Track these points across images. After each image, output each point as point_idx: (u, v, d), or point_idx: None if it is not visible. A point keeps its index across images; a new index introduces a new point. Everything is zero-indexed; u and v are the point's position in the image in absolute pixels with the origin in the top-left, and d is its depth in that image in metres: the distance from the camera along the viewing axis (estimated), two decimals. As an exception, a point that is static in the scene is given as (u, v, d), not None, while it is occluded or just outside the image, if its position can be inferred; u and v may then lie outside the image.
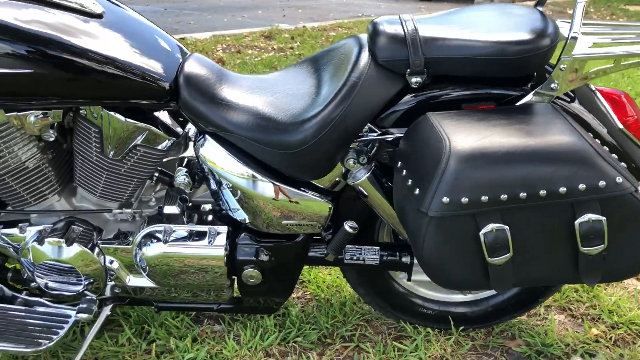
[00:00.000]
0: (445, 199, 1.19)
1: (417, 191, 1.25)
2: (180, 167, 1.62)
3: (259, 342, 1.79)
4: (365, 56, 1.44)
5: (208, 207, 1.71)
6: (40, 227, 1.62)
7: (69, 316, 1.61)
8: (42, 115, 1.45)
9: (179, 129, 1.61)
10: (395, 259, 1.66)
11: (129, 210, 1.67)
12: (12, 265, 1.78)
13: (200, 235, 1.60)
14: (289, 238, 1.60)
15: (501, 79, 1.45)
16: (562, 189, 1.17)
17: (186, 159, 1.68)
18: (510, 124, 1.28)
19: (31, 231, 1.62)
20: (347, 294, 2.03)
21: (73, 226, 1.63)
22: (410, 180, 1.29)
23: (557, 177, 1.18)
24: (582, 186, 1.18)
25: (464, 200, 1.19)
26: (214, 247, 1.58)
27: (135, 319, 1.87)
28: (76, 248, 1.57)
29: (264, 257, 1.60)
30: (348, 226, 1.52)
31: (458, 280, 1.29)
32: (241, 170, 1.50)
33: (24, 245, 1.60)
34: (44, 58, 1.37)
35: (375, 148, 1.47)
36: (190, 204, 1.69)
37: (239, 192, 1.52)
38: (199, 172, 1.62)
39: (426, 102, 1.45)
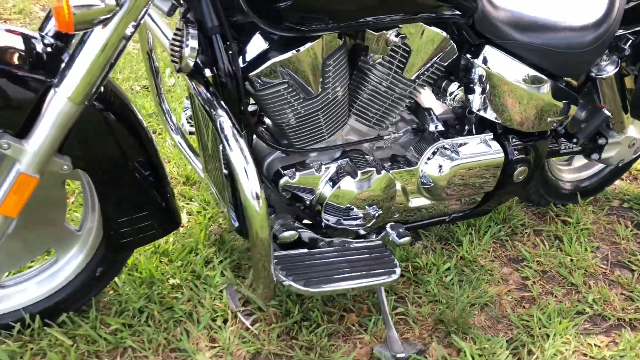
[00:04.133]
0: None
1: None
2: (452, 83, 1.66)
3: (478, 241, 1.98)
4: None
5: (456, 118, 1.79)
6: (334, 164, 1.54)
7: (382, 245, 1.58)
8: (400, 34, 1.40)
9: None
10: (590, 144, 2.00)
11: (399, 134, 1.67)
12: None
13: (477, 145, 1.71)
14: (540, 135, 1.81)
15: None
16: None
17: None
18: None
19: (330, 168, 1.53)
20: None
21: (366, 157, 1.58)
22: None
23: None
24: None
25: None
26: (494, 152, 1.71)
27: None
28: (385, 176, 1.56)
29: (529, 155, 1.78)
30: (606, 110, 1.81)
31: None
32: (526, 73, 1.65)
33: (321, 184, 1.52)
34: None
35: (628, 43, 1.78)
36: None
37: (515, 95, 1.67)
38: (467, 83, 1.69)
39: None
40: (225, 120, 1.21)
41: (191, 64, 1.26)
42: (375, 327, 1.59)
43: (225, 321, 1.58)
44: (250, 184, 1.19)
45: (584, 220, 2.17)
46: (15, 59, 1.22)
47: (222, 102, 1.24)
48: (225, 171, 1.45)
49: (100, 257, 1.50)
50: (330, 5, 1.30)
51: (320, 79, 1.39)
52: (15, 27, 1.37)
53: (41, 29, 1.37)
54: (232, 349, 1.50)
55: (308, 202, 1.54)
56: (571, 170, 2.30)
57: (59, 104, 1.16)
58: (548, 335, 1.61)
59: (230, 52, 1.28)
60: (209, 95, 1.25)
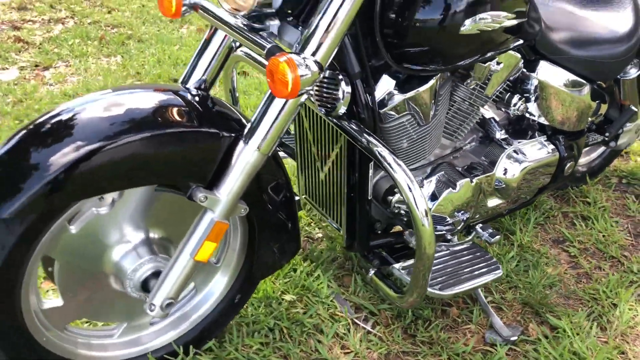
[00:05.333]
0: None
1: None
2: (514, 95, 1.89)
3: (525, 228, 2.24)
4: None
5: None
6: (434, 178, 1.74)
7: (476, 245, 1.80)
8: (499, 62, 1.62)
9: None
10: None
11: (473, 143, 1.89)
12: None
13: (537, 147, 1.95)
14: (580, 132, 2.08)
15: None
16: None
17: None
18: None
19: (431, 182, 1.73)
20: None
21: (456, 168, 1.79)
22: None
23: None
24: None
25: None
26: (551, 152, 1.96)
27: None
28: (475, 184, 1.77)
29: (574, 151, 2.05)
30: (632, 109, 2.10)
31: None
32: (573, 81, 1.90)
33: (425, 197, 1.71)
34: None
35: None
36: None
37: (564, 99, 1.91)
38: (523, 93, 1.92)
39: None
40: (382, 149, 1.37)
41: (344, 109, 1.41)
42: (478, 317, 1.81)
43: (347, 328, 1.75)
44: (419, 202, 1.35)
45: (600, 199, 2.49)
46: (185, 116, 1.33)
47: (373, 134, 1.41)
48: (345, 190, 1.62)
49: (239, 285, 1.62)
50: (454, 50, 1.49)
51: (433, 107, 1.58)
52: (158, 84, 1.46)
53: (184, 82, 1.47)
54: (364, 352, 1.68)
55: (414, 214, 1.73)
56: (582, 154, 2.60)
57: (248, 155, 1.28)
58: (615, 305, 1.89)
59: (370, 94, 1.44)
60: (362, 130, 1.40)
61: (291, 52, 1.18)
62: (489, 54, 1.58)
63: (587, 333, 1.77)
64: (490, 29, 1.47)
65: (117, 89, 1.38)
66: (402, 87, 1.51)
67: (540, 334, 1.76)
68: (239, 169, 1.29)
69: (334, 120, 1.46)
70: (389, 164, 1.36)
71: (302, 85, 1.14)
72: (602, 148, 2.62)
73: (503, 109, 1.92)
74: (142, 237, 1.42)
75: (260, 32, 1.33)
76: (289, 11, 1.33)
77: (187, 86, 1.46)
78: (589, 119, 2.05)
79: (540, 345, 1.71)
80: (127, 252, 1.39)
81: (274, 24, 1.34)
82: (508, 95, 1.88)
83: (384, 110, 1.50)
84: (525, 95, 1.90)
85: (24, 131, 1.24)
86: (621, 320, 1.82)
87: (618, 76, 2.11)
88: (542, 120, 1.94)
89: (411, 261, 1.68)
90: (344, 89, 1.39)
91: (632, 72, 2.11)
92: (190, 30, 4.87)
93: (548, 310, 1.85)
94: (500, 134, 1.91)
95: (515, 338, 1.72)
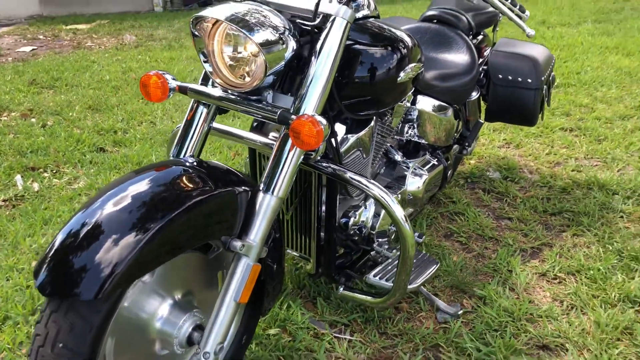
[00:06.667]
0: (543, 78, 2.65)
1: (529, 80, 2.63)
2: (405, 124, 2.35)
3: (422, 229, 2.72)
4: (458, 34, 2.63)
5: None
6: (370, 200, 2.13)
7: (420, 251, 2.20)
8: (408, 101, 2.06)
9: None
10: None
11: (383, 168, 2.32)
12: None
13: (429, 163, 2.44)
14: (450, 146, 2.62)
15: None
16: None
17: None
18: None
19: (370, 203, 2.11)
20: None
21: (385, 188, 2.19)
22: (519, 79, 2.65)
23: None
24: None
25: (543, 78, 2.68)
26: (438, 164, 2.47)
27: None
28: (400, 199, 2.20)
29: (450, 161, 2.58)
30: (480, 122, 2.70)
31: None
32: (442, 107, 2.44)
33: (369, 217, 2.09)
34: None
35: (481, 74, 2.69)
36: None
37: (436, 121, 2.45)
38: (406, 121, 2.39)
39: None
40: (355, 175, 1.69)
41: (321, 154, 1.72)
42: (424, 305, 2.21)
43: (332, 343, 2.02)
44: (397, 211, 1.69)
45: (461, 198, 3.08)
46: (199, 183, 1.49)
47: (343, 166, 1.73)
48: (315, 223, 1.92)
49: (244, 327, 1.81)
50: (391, 97, 1.89)
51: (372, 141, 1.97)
52: (155, 164, 1.59)
53: (175, 155, 1.65)
54: (354, 357, 1.97)
55: (363, 233, 2.08)
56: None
57: (270, 202, 1.52)
58: (511, 271, 2.43)
59: (334, 138, 1.78)
60: (332, 165, 1.71)
61: (302, 114, 1.47)
62: (404, 96, 2.01)
63: (504, 295, 2.26)
64: (412, 76, 1.91)
65: (121, 181, 1.44)
66: (350, 130, 1.87)
67: (474, 304, 2.21)
68: (262, 215, 1.52)
69: (312, 163, 1.76)
70: (365, 185, 1.69)
71: (325, 135, 1.43)
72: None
73: (397, 137, 2.38)
74: (177, 296, 1.56)
75: (261, 103, 1.58)
76: (279, 82, 1.62)
77: (182, 158, 1.64)
78: (455, 134, 2.61)
79: (479, 312, 2.15)
80: (169, 312, 1.52)
81: (268, 93, 1.60)
82: (400, 125, 2.35)
83: (344, 149, 1.84)
84: (410, 123, 2.39)
85: (71, 225, 1.32)
86: (520, 280, 2.36)
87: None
88: (425, 140, 2.43)
89: (375, 270, 2.02)
90: None
91: (474, 95, 2.73)
92: (13, 116, 4.70)
93: (471, 287, 2.31)
94: (399, 157, 2.36)
95: (461, 312, 2.14)
